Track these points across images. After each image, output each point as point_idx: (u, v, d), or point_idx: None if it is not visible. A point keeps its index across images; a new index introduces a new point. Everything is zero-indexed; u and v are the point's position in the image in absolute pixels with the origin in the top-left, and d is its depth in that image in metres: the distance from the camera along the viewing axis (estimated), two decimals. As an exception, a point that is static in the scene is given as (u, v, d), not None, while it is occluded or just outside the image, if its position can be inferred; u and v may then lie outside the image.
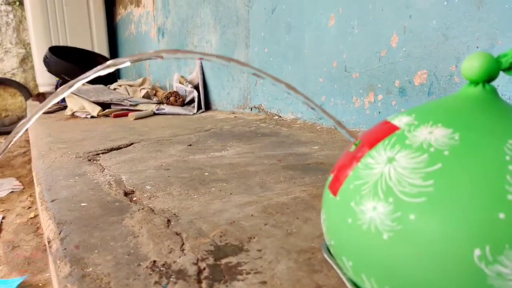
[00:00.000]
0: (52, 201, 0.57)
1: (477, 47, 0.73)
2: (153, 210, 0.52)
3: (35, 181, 0.81)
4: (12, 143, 0.31)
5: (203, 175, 0.69)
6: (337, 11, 1.05)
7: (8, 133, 3.54)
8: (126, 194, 0.60)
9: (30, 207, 1.69)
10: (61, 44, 2.99)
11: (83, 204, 0.55)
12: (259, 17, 1.38)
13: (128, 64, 0.29)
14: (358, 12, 0.99)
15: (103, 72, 0.27)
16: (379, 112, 0.96)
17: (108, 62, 0.29)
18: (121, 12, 3.18)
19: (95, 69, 0.29)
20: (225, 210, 0.51)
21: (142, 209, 0.52)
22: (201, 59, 0.29)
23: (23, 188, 1.99)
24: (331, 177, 0.33)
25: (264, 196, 0.56)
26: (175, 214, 0.50)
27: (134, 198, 0.58)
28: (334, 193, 0.30)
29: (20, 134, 0.32)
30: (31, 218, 1.59)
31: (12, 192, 1.97)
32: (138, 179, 0.67)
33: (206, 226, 0.46)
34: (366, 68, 0.99)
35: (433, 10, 0.81)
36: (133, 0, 2.82)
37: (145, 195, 0.59)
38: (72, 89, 0.30)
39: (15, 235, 1.54)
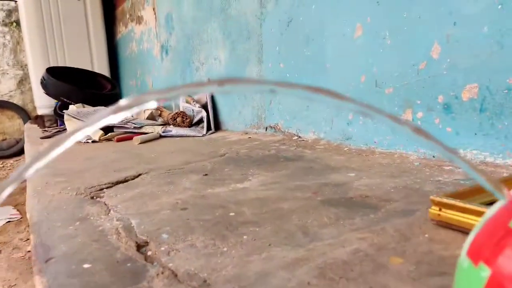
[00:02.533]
0: (47, 261, 0.45)
1: (548, 55, 0.62)
2: (176, 275, 0.40)
3: (30, 225, 0.69)
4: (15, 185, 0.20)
5: (228, 216, 0.57)
6: (364, 20, 0.95)
7: (5, 157, 3.44)
8: (138, 247, 0.48)
9: (28, 239, 1.57)
10: (60, 64, 2.90)
11: (86, 266, 0.43)
12: (273, 30, 1.28)
13: (155, 104, 0.18)
14: (390, 21, 0.88)
15: (121, 116, 0.16)
16: (419, 132, 0.85)
17: (125, 103, 0.18)
18: (122, 30, 3.10)
19: (108, 109, 0.18)
20: (269, 273, 0.40)
21: (162, 273, 0.41)
22: (273, 91, 0.18)
23: (21, 218, 1.87)
24: (470, 238, 0.22)
25: (313, 248, 0.45)
26: (205, 281, 0.39)
27: (149, 253, 0.46)
28: (477, 262, 0.20)
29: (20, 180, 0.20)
30: (28, 251, 1.47)
31: (9, 221, 1.86)
32: (152, 224, 0.56)
33: (252, 303, 0.34)
34: (401, 83, 0.88)
35: (484, 16, 0.71)
36: (134, 18, 2.74)
37: (162, 248, 0.47)
38: (81, 132, 0.19)
39: (11, 272, 1.41)
